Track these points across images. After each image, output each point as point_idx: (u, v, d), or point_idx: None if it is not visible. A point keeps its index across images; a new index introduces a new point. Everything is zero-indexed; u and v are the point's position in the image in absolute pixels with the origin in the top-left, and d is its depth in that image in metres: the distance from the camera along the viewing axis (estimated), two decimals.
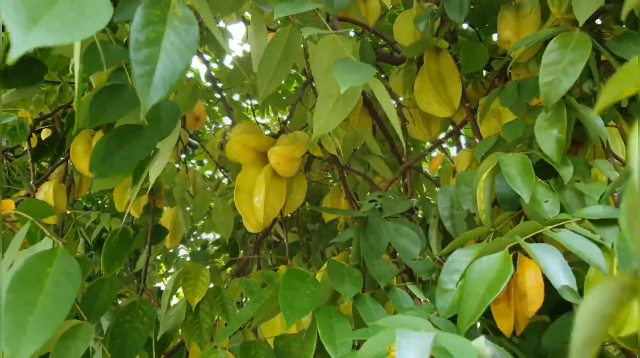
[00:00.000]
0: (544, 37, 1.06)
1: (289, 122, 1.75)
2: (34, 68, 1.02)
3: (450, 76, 1.49)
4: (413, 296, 0.94)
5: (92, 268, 1.03)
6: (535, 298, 0.78)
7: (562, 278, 0.71)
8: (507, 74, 1.52)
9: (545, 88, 0.96)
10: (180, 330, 1.23)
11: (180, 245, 2.96)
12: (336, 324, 0.84)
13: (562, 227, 0.82)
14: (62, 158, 1.84)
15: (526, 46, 1.10)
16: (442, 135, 1.79)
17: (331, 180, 2.50)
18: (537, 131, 0.97)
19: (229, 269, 2.44)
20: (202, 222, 2.69)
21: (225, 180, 2.53)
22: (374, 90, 0.84)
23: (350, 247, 1.24)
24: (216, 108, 2.91)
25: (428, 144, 2.38)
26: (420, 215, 1.23)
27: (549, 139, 0.95)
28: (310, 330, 0.85)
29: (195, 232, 2.97)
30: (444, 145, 2.47)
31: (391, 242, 1.06)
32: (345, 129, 1.47)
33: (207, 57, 2.60)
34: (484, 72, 1.71)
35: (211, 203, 1.94)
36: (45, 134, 1.74)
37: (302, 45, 1.09)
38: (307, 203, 2.23)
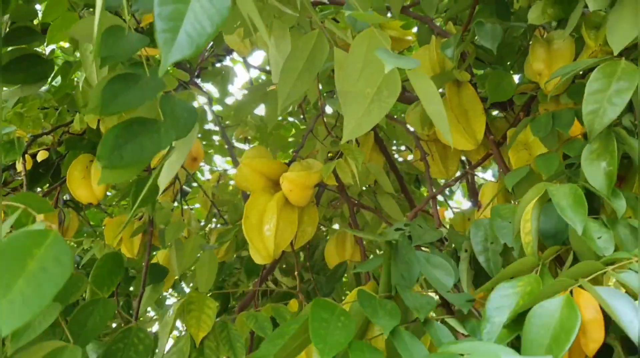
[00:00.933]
0: (585, 66, 1.00)
1: (299, 151, 1.67)
2: (38, 65, 0.94)
3: (473, 109, 1.43)
4: (452, 330, 0.84)
5: (85, 285, 0.91)
6: (595, 335, 0.69)
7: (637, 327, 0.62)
8: (529, 109, 1.47)
9: (590, 116, 0.89)
10: None
11: (171, 290, 2.82)
12: None
13: (623, 267, 0.73)
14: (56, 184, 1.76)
15: (564, 76, 1.04)
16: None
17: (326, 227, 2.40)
18: (583, 163, 0.90)
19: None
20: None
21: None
22: (416, 83, 0.76)
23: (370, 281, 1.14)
24: (211, 150, 2.84)
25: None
26: (449, 248, 1.14)
27: (597, 171, 0.88)
28: None
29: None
30: (440, 197, 2.40)
31: (423, 272, 0.96)
32: (364, 155, 1.39)
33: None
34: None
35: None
36: (41, 156, 1.65)
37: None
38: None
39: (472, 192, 1.83)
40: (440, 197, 2.42)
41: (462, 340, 0.79)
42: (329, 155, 1.69)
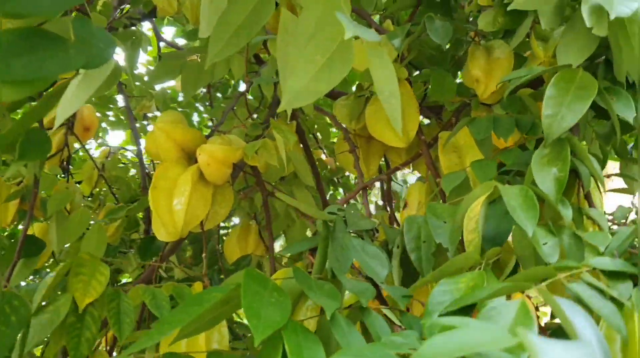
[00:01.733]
0: (540, 73, 0.99)
1: (218, 127, 1.54)
2: None
3: (408, 107, 1.39)
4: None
5: None
6: None
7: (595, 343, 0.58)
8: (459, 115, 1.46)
9: (548, 120, 0.88)
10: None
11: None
12: (305, 344, 0.64)
13: (575, 276, 0.70)
14: None
15: (516, 81, 1.02)
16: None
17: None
18: (534, 167, 0.88)
19: None
20: None
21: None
22: (374, 61, 0.68)
23: None
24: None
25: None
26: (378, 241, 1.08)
27: (547, 176, 0.86)
28: (270, 349, 0.64)
29: None
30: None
31: (357, 259, 0.89)
32: (294, 136, 1.29)
33: None
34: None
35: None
36: None
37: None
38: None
39: (387, 194, 1.80)
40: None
41: (401, 332, 0.73)
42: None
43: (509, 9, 0.94)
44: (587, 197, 0.98)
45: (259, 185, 1.63)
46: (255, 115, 1.80)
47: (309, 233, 1.91)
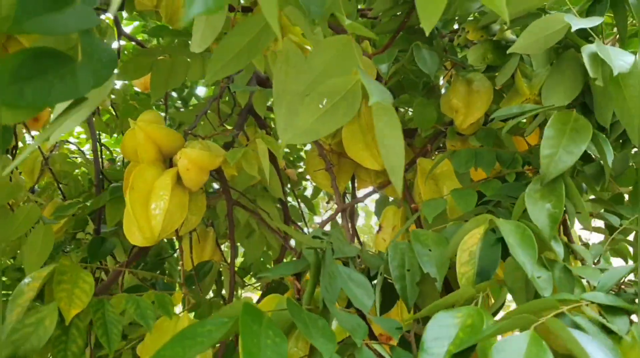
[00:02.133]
0: (532, 112, 1.03)
1: (192, 130, 1.50)
2: None
3: None
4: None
5: None
6: None
7: None
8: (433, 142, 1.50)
9: (546, 160, 0.91)
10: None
11: None
12: None
13: (577, 309, 0.73)
14: None
15: (510, 117, 1.06)
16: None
17: None
18: (528, 201, 0.90)
19: None
20: None
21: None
22: (379, 113, 0.70)
23: None
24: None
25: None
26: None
27: (541, 212, 0.89)
28: None
29: None
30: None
31: (344, 288, 0.88)
32: (281, 149, 1.28)
33: None
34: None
35: None
36: None
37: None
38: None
39: (351, 212, 1.81)
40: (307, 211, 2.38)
41: None
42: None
43: (508, 51, 0.97)
44: (566, 232, 1.02)
45: (225, 193, 1.60)
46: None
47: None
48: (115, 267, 1.22)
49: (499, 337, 0.73)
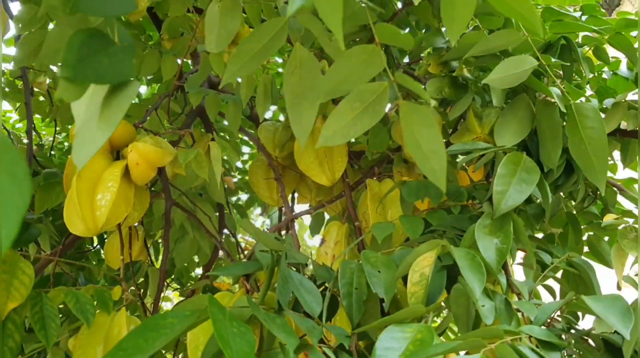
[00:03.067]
0: (484, 149, 1.09)
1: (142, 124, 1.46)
2: None
3: (339, 148, 1.44)
4: None
5: None
6: None
7: None
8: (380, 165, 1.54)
9: (498, 196, 0.96)
10: None
11: None
12: None
13: (517, 340, 0.78)
14: None
15: (459, 153, 1.12)
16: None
17: None
18: (477, 235, 0.95)
19: None
20: None
21: None
22: (414, 119, 0.72)
23: None
24: None
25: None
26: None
27: (490, 246, 0.94)
28: None
29: None
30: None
31: (295, 293, 0.89)
32: (237, 157, 1.27)
33: None
34: None
35: None
36: None
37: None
38: None
39: (291, 222, 1.81)
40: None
41: None
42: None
43: (483, 81, 1.02)
44: (505, 266, 1.08)
45: (165, 192, 1.57)
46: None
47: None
48: (46, 256, 1.16)
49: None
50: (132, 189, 1.18)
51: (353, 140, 1.60)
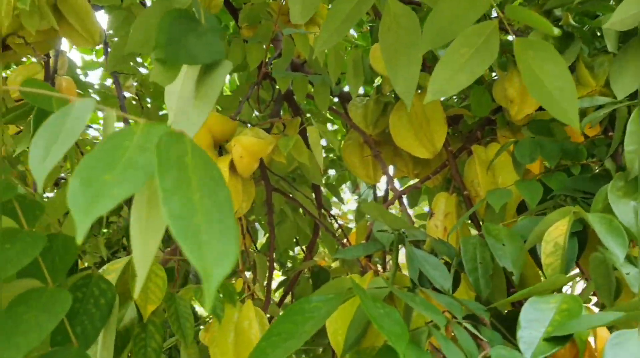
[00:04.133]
0: (607, 104, 1.01)
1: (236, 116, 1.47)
2: None
3: (435, 117, 1.39)
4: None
5: None
6: None
7: None
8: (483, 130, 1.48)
9: (630, 156, 0.89)
10: None
11: None
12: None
13: None
14: None
15: (589, 107, 1.04)
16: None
17: None
18: (611, 199, 0.89)
19: None
20: None
21: None
22: (538, 55, 0.67)
23: None
24: None
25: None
26: None
27: (627, 209, 0.87)
28: None
29: None
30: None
31: (422, 270, 0.88)
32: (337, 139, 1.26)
33: None
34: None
35: None
36: None
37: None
38: None
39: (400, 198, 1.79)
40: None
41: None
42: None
43: (604, 26, 0.93)
44: None
45: (264, 179, 1.59)
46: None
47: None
48: (166, 256, 1.21)
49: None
50: (240, 182, 1.20)
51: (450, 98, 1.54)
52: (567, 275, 0.82)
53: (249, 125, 1.40)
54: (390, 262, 0.99)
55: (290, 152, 1.28)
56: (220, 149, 1.29)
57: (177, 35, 0.59)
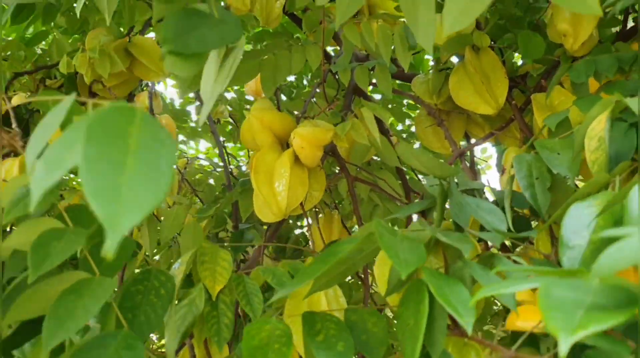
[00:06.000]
0: None
1: (303, 114, 1.56)
2: None
3: (494, 73, 1.37)
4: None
5: None
6: None
7: None
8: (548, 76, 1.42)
9: None
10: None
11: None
12: (446, 285, 0.63)
13: None
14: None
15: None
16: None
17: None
18: None
19: None
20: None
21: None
22: None
23: None
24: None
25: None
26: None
27: None
28: (412, 295, 0.64)
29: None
30: None
31: (475, 216, 0.88)
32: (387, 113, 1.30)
33: None
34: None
35: None
36: (17, 99, 1.49)
37: None
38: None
39: (472, 164, 1.77)
40: None
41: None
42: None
43: None
44: None
45: (344, 171, 1.64)
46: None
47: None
48: (255, 248, 1.31)
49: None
50: (305, 171, 1.27)
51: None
52: (617, 168, 0.78)
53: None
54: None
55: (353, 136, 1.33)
56: (288, 146, 1.38)
57: (188, 29, 0.67)
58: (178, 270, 0.97)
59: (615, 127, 0.82)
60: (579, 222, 0.69)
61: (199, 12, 0.71)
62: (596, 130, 0.82)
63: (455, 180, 0.97)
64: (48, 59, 1.51)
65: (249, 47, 2.63)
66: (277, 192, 1.18)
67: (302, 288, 1.11)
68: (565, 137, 0.97)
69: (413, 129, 2.43)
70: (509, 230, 0.90)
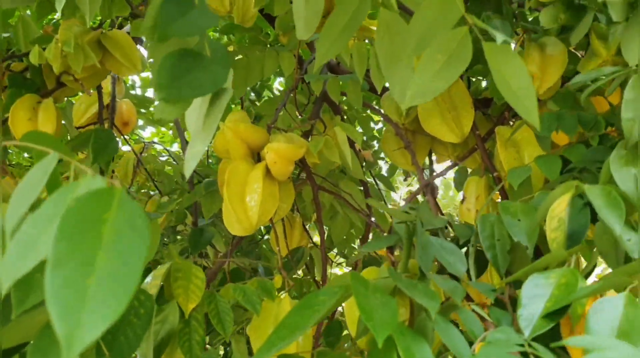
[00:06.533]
0: (609, 74, 1.02)
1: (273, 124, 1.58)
2: None
3: (462, 102, 1.42)
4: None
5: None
6: None
7: None
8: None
9: (628, 123, 0.91)
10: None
11: None
12: (414, 345, 0.68)
13: None
14: None
15: (589, 81, 1.06)
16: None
17: None
18: (613, 167, 0.91)
19: None
20: None
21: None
22: (499, 59, 0.71)
23: None
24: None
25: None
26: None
27: (627, 177, 0.89)
28: (384, 352, 0.68)
29: None
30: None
31: (437, 257, 0.93)
32: (360, 135, 1.34)
33: None
34: None
35: None
36: None
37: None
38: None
39: (432, 188, 1.84)
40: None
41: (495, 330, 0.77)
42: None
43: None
44: None
45: (309, 179, 1.68)
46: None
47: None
48: (219, 258, 1.33)
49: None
50: (276, 185, 1.30)
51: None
52: (574, 248, 0.85)
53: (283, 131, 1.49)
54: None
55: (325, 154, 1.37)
56: (259, 156, 1.40)
57: (181, 73, 0.66)
58: (150, 284, 0.98)
59: (572, 204, 0.88)
60: (536, 290, 0.75)
61: (191, 53, 0.71)
62: (557, 211, 0.88)
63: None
64: (15, 44, 1.46)
65: (215, 36, 2.60)
66: (248, 206, 1.20)
67: (270, 306, 1.15)
68: (526, 200, 1.03)
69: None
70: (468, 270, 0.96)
